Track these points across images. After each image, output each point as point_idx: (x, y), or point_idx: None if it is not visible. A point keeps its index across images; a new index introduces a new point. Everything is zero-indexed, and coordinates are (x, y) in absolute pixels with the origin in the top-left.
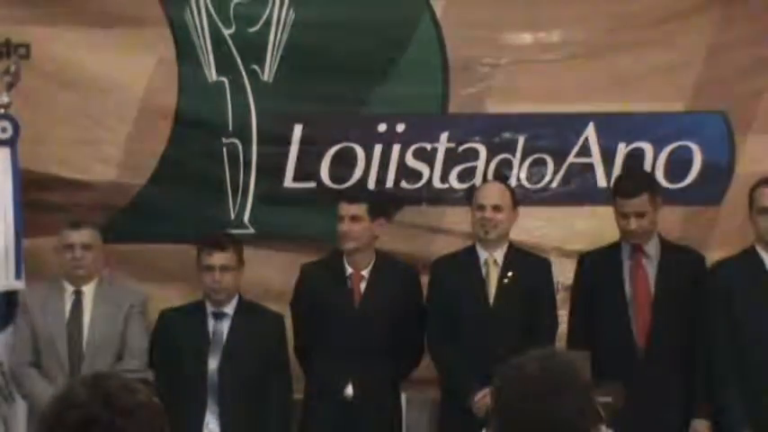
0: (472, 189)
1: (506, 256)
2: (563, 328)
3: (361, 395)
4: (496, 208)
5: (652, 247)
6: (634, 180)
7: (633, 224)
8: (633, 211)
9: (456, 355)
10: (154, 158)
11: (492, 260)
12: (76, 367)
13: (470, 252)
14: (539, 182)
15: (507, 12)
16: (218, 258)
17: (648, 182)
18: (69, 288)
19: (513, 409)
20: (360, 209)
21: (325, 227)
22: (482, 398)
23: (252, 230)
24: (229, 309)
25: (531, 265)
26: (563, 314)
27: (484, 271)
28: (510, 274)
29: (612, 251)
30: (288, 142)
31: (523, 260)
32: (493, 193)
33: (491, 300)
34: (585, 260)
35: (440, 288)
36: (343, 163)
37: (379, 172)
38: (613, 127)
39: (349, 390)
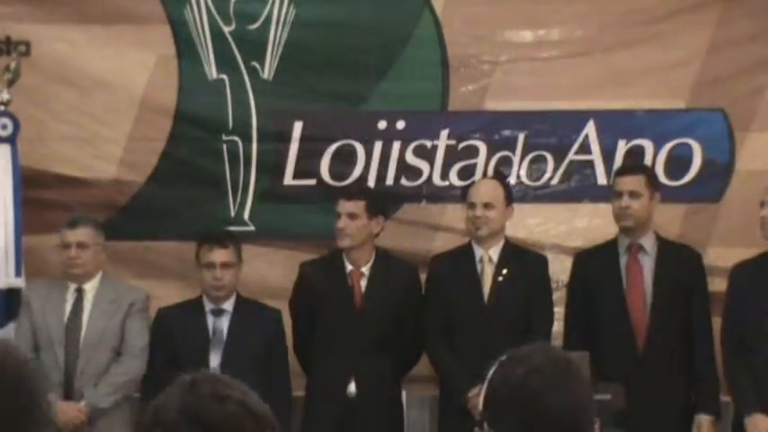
0: (467, 187)
1: (502, 254)
2: (559, 325)
3: (364, 393)
4: (487, 206)
5: (648, 243)
6: (632, 162)
7: (625, 201)
8: (627, 189)
9: (451, 353)
10: (154, 156)
11: (487, 257)
12: (72, 365)
13: (466, 249)
14: (538, 179)
15: (507, 9)
16: (220, 255)
17: (646, 168)
18: (71, 286)
19: (514, 402)
20: (357, 206)
21: (324, 224)
22: (476, 395)
23: (252, 228)
24: (228, 306)
25: (527, 262)
26: (560, 311)
27: (479, 268)
28: (505, 271)
29: (609, 248)
30: (288, 139)
31: (519, 257)
32: (484, 191)
33: (486, 297)
34: (582, 258)
35: (436, 285)
36: (343, 160)
37: (379, 169)
38: (613, 124)
39: (352, 387)
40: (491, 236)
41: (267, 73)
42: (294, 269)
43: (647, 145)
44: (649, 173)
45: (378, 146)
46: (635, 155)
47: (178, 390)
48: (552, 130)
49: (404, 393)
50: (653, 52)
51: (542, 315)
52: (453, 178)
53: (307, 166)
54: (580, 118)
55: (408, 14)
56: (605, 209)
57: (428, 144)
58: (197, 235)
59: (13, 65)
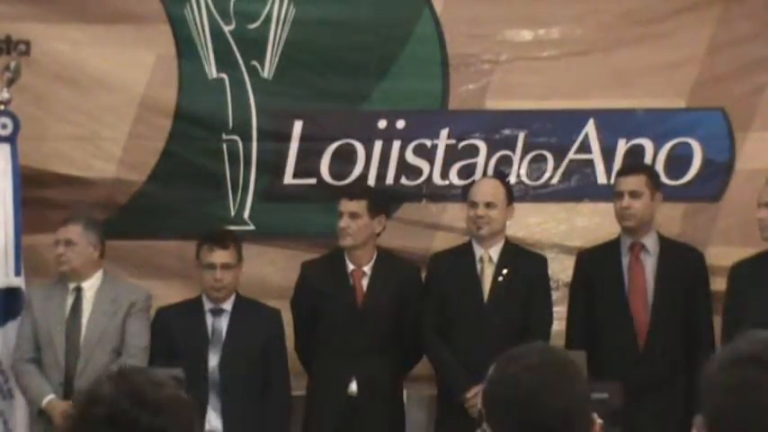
0: (468, 186)
1: (502, 253)
2: (560, 325)
3: (365, 392)
4: (489, 205)
5: (651, 243)
6: (633, 162)
7: (626, 201)
8: (629, 189)
9: (450, 352)
10: (154, 155)
11: (487, 257)
12: (72, 364)
13: (466, 248)
14: (539, 178)
15: (507, 8)
16: (220, 256)
17: (647, 168)
18: (71, 285)
19: (510, 401)
20: (359, 205)
21: (324, 223)
22: (474, 395)
23: (252, 227)
24: (227, 305)
25: (527, 262)
26: (561, 311)
27: (479, 267)
28: (505, 271)
29: (611, 247)
30: (288, 139)
31: (519, 257)
32: (485, 190)
33: (485, 297)
34: (584, 257)
35: (435, 284)
36: (344, 159)
37: (379, 168)
38: (613, 123)
39: (353, 386)
40: (492, 235)
41: (267, 72)
42: (295, 269)
43: (648, 144)
44: (651, 172)
45: (378, 145)
46: (635, 154)
47: (109, 379)
48: (552, 130)
49: (404, 393)
50: (653, 52)
51: (541, 315)
52: (453, 177)
53: (307, 165)
54: (580, 117)
55: (408, 13)
56: (605, 208)
57: (428, 143)
58: (198, 235)
59: (13, 64)
